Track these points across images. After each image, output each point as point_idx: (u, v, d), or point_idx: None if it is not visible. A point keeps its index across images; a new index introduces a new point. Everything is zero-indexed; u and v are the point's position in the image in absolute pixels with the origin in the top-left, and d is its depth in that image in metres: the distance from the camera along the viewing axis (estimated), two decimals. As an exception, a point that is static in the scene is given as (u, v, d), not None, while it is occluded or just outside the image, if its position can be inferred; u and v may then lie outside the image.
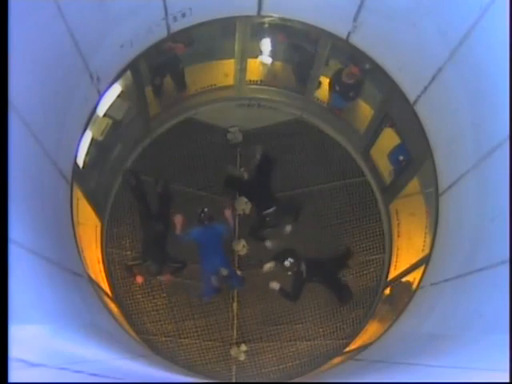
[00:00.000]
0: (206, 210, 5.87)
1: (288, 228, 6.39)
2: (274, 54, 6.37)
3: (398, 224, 6.15)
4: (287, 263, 5.71)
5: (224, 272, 6.02)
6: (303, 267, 5.79)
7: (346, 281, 6.32)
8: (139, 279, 6.12)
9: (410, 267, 5.41)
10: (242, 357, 6.18)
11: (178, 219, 5.77)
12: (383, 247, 6.41)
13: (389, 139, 5.91)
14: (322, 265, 6.13)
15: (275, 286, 5.91)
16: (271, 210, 6.04)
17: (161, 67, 5.99)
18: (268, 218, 6.10)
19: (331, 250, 6.41)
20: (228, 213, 5.97)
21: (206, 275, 5.99)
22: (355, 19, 4.52)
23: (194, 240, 5.86)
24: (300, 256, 5.85)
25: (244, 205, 6.54)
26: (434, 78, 4.16)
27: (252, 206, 6.45)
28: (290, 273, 5.81)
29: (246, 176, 6.49)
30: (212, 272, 5.97)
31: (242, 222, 6.52)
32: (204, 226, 5.82)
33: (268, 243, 6.38)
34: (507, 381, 2.03)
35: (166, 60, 5.85)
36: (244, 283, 6.29)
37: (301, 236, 6.43)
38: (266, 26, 5.55)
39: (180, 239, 5.84)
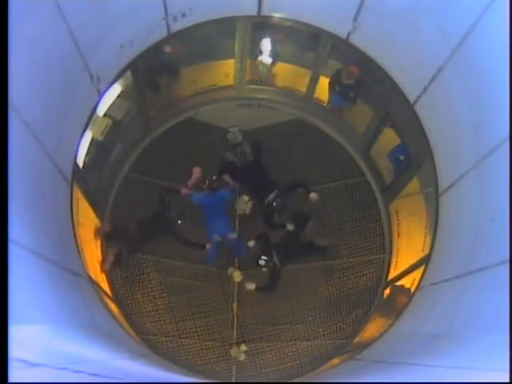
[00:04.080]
0: (213, 177, 5.92)
1: (314, 196, 6.14)
2: (273, 54, 6.37)
3: (398, 224, 6.15)
4: (262, 262, 5.81)
5: (233, 235, 6.09)
6: (275, 258, 5.86)
7: (314, 239, 6.26)
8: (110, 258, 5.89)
9: (409, 267, 5.41)
10: (242, 357, 6.17)
11: (197, 171, 5.95)
12: (383, 247, 6.41)
13: (389, 139, 5.92)
14: (290, 244, 6.11)
15: (251, 286, 6.03)
16: (273, 194, 5.99)
17: (159, 67, 5.99)
18: (274, 203, 6.00)
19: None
20: (226, 177, 6.07)
21: (213, 237, 6.05)
22: (355, 19, 4.52)
23: (197, 203, 5.95)
24: (270, 248, 5.92)
25: (244, 205, 6.53)
26: (433, 78, 4.16)
27: (254, 200, 6.40)
28: (265, 269, 5.89)
29: (241, 162, 6.43)
30: (218, 234, 6.04)
31: (243, 223, 6.52)
32: (208, 191, 5.90)
33: (289, 226, 6.16)
34: (507, 381, 2.03)
35: (162, 60, 5.85)
36: (249, 251, 6.21)
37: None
38: (266, 26, 5.55)
39: (185, 199, 5.92)
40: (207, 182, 5.92)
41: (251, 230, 6.33)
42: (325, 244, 6.29)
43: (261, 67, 6.50)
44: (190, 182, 6.06)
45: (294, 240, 6.12)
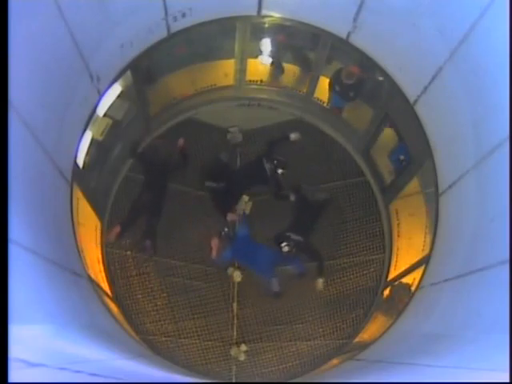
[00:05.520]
0: (226, 229, 6.05)
1: (294, 135, 6.33)
2: (273, 54, 6.37)
3: (398, 224, 6.14)
4: (285, 248, 5.91)
5: (293, 270, 6.15)
6: (295, 237, 5.99)
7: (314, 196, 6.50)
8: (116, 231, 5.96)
9: (409, 267, 5.41)
10: (242, 357, 6.18)
11: (214, 242, 5.99)
12: (383, 247, 6.41)
13: (389, 139, 5.91)
14: (301, 215, 6.28)
15: (320, 284, 6.20)
16: (266, 163, 6.16)
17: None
18: (273, 165, 6.20)
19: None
20: (231, 216, 6.08)
21: (266, 280, 6.12)
22: (355, 19, 4.52)
23: (234, 259, 6.06)
24: (288, 236, 6.01)
25: (244, 205, 6.54)
26: (434, 78, 4.16)
27: (260, 186, 6.50)
28: (294, 250, 5.97)
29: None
30: (270, 275, 6.10)
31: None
32: (230, 243, 5.97)
33: (292, 197, 6.37)
34: (507, 381, 2.02)
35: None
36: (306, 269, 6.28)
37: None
38: (266, 25, 5.55)
39: (219, 262, 6.10)
40: (223, 234, 6.00)
41: (257, 230, 6.35)
42: (326, 196, 6.46)
43: (261, 67, 6.49)
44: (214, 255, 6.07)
45: (302, 209, 6.27)
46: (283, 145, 6.37)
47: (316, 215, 6.36)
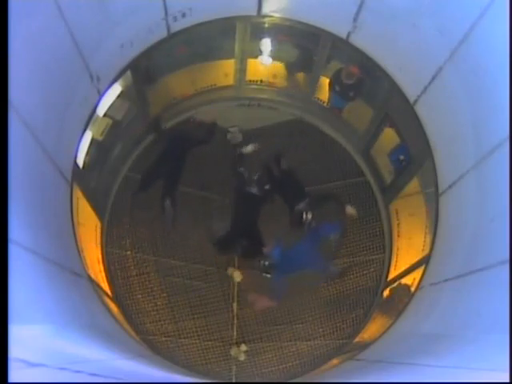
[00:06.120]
0: (262, 261, 6.13)
1: (249, 148, 6.51)
2: (274, 54, 6.37)
3: (398, 224, 6.14)
4: (308, 216, 6.13)
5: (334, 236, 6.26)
6: (304, 203, 6.22)
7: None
8: None
9: (409, 267, 5.41)
10: (242, 357, 6.17)
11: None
12: (383, 247, 6.40)
13: (389, 139, 5.91)
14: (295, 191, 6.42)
15: (352, 210, 6.46)
16: (254, 175, 6.25)
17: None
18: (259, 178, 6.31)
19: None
20: (267, 248, 6.13)
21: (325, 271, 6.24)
22: (355, 19, 4.52)
23: (285, 276, 6.09)
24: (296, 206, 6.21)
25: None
26: (434, 78, 4.16)
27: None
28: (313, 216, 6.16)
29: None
30: (322, 263, 6.22)
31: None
32: (274, 268, 6.04)
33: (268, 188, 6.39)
34: (507, 381, 2.03)
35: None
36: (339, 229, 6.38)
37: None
38: (266, 25, 5.55)
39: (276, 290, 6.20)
40: (264, 265, 6.06)
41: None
42: (287, 164, 6.57)
43: (261, 67, 6.49)
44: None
45: (282, 187, 6.41)
46: (248, 160, 6.47)
47: (295, 178, 6.45)
